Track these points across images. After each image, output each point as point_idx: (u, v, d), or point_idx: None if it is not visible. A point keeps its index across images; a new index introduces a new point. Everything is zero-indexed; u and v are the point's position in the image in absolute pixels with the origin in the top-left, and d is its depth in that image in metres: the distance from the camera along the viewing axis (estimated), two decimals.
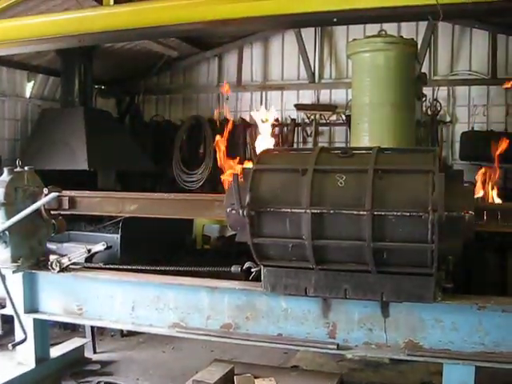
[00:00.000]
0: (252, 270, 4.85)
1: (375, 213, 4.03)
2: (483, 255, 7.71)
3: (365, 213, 4.05)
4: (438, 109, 10.19)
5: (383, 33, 7.48)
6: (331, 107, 10.95)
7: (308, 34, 10.96)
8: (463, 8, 5.30)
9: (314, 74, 11.12)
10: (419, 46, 8.51)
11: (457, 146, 10.27)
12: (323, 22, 7.14)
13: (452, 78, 10.38)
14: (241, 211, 4.27)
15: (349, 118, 9.09)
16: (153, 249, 7.80)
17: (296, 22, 6.47)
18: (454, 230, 4.03)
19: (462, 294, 4.54)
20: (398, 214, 4.00)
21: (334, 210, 4.14)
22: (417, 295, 4.34)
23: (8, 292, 5.43)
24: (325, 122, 11.07)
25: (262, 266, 4.68)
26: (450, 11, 5.16)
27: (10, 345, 5.47)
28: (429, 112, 10.11)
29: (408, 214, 3.98)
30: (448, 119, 10.42)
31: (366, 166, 4.19)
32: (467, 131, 10.12)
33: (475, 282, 7.51)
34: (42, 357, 5.96)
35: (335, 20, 5.76)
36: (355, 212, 4.09)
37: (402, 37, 7.75)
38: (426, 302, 4.35)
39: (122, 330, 7.44)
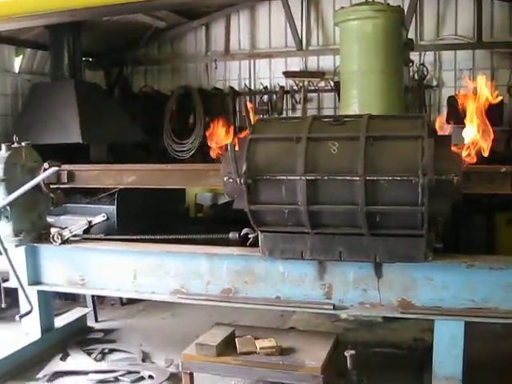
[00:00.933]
0: (249, 236, 5.01)
1: (368, 178, 4.18)
2: (471, 217, 7.93)
3: (358, 178, 4.20)
4: (425, 73, 10.27)
5: (370, 0, 7.54)
6: (319, 74, 10.97)
7: (294, 1, 10.96)
8: None
9: (301, 41, 11.13)
10: (405, 12, 8.56)
11: (444, 110, 10.37)
12: None
13: (438, 43, 10.44)
14: (238, 180, 4.41)
15: (337, 84, 9.14)
16: (148, 218, 7.92)
17: None
18: (443, 193, 4.18)
19: (451, 254, 4.72)
20: (390, 178, 4.15)
21: (328, 176, 4.29)
22: (408, 256, 4.52)
23: (12, 265, 5.52)
24: (313, 88, 11.11)
25: (259, 232, 4.84)
26: None
27: (17, 316, 5.61)
28: (416, 77, 10.19)
29: (399, 178, 4.14)
30: (435, 84, 10.51)
31: (357, 133, 4.32)
32: (453, 95, 10.22)
33: (463, 242, 7.75)
34: (47, 327, 6.15)
35: None
36: (348, 178, 4.25)
37: (388, 4, 7.81)
38: (417, 261, 4.54)
39: (121, 299, 7.61)
